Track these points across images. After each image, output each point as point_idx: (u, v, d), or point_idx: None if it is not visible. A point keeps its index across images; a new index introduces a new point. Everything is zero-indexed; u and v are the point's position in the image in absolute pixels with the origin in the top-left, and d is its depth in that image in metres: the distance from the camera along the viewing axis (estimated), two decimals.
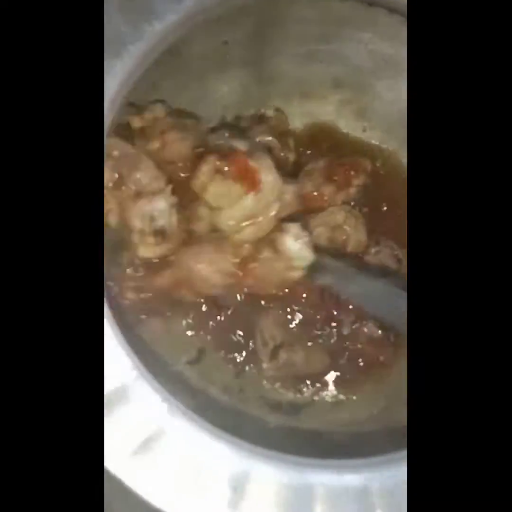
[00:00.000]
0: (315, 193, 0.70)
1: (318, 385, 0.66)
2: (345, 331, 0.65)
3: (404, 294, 0.51)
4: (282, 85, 0.74)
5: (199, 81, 0.69)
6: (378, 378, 0.66)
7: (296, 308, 0.66)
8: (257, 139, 0.67)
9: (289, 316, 0.66)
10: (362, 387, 0.66)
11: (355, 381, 0.66)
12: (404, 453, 0.44)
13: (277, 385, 0.66)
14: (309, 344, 0.66)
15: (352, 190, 0.71)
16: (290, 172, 0.70)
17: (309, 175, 0.71)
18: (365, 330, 0.65)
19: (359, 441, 0.58)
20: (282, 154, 0.69)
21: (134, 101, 0.63)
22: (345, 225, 0.68)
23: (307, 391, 0.66)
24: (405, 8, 0.56)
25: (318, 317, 0.65)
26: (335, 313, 0.65)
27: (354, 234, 0.69)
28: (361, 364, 0.65)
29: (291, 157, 0.71)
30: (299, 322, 0.66)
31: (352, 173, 0.70)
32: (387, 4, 0.57)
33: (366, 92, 0.73)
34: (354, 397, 0.66)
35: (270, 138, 0.68)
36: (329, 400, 0.66)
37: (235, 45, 0.66)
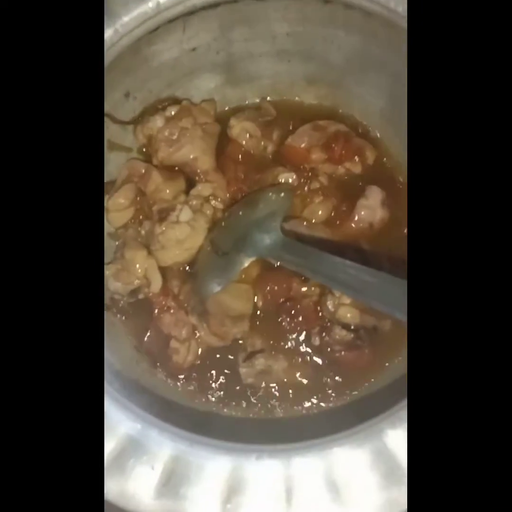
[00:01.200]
0: (304, 148, 0.68)
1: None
2: (316, 342, 0.64)
3: (374, 271, 0.49)
4: (256, 86, 0.75)
5: (172, 86, 0.71)
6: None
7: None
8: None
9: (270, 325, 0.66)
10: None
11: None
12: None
13: None
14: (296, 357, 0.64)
15: (341, 170, 0.69)
16: (268, 162, 0.71)
17: (310, 131, 0.69)
18: (336, 337, 0.62)
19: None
20: (262, 143, 0.70)
21: (109, 111, 0.66)
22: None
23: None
24: (361, 2, 0.57)
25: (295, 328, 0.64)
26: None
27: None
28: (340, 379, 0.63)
29: (271, 147, 0.71)
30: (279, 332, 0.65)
31: (355, 156, 0.68)
32: (343, 0, 0.57)
33: (340, 87, 0.73)
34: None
35: None
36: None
37: (204, 50, 0.68)
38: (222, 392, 0.63)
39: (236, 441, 0.41)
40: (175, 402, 0.58)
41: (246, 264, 0.61)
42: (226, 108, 0.76)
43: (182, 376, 0.64)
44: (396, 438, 0.39)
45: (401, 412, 0.39)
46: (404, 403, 0.40)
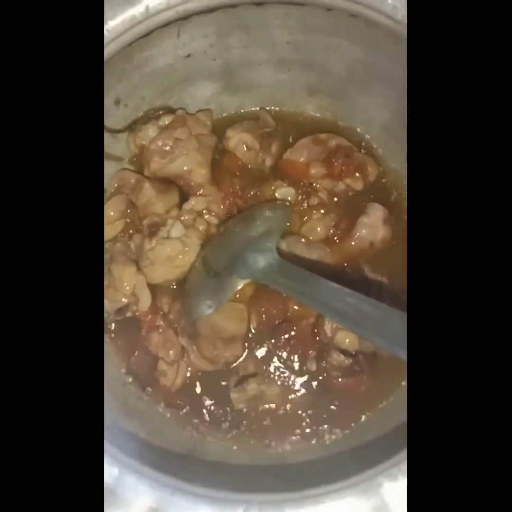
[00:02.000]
0: (303, 163, 0.65)
1: None
2: (312, 367, 0.61)
3: (375, 302, 0.46)
4: (255, 95, 0.72)
5: (166, 94, 0.67)
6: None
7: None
8: None
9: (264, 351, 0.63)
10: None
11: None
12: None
13: None
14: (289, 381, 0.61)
15: (341, 186, 0.66)
16: (266, 176, 0.68)
17: (309, 145, 0.66)
18: (334, 362, 0.59)
19: None
20: (260, 155, 0.67)
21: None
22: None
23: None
24: (365, 11, 0.54)
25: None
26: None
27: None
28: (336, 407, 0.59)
29: (269, 160, 0.68)
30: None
31: (356, 172, 0.65)
32: (347, 8, 0.54)
33: (342, 97, 0.70)
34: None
35: None
36: None
37: (199, 57, 0.64)
38: (210, 418, 0.60)
39: (222, 488, 0.37)
40: (160, 431, 0.55)
41: (239, 286, 0.58)
42: (224, 114, 0.73)
43: (168, 401, 0.60)
44: (395, 492, 0.35)
45: (401, 464, 0.36)
46: (404, 453, 0.37)
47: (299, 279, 0.51)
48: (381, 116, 0.67)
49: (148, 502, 0.37)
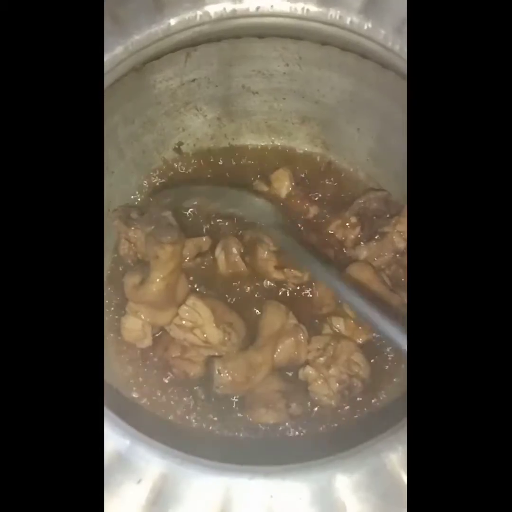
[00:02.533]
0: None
1: None
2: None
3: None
4: (252, 122, 0.78)
5: (170, 115, 0.73)
6: None
7: None
8: None
9: None
10: None
11: None
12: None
13: None
14: None
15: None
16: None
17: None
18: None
19: None
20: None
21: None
22: None
23: None
24: (357, 48, 0.61)
25: None
26: None
27: None
28: None
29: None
30: None
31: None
32: (339, 44, 0.61)
33: (331, 126, 0.76)
34: None
35: None
36: None
37: (203, 82, 0.70)
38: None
39: (228, 461, 0.39)
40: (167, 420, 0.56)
41: None
42: (220, 147, 0.78)
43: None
44: (396, 460, 0.38)
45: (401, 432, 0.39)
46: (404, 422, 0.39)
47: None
48: (365, 142, 0.74)
49: (159, 468, 0.38)
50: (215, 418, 0.62)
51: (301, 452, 0.46)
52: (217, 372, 0.62)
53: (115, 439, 0.39)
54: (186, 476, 0.37)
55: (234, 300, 0.68)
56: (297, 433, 0.58)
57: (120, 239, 0.70)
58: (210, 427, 0.61)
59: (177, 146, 0.76)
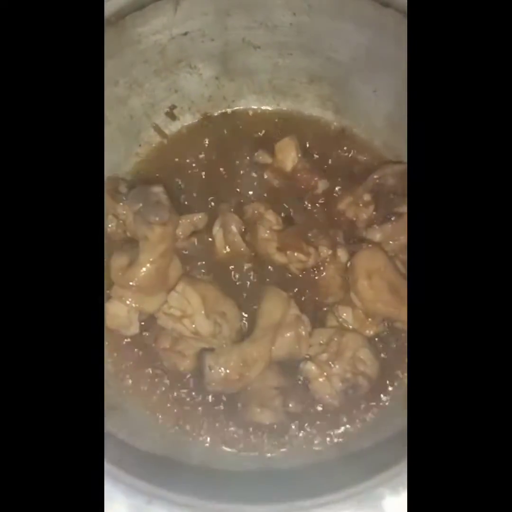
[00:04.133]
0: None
1: None
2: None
3: None
4: (254, 82, 0.69)
5: (161, 74, 0.64)
6: None
7: None
8: None
9: None
10: None
11: None
12: None
13: None
14: None
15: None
16: None
17: None
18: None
19: None
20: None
21: None
22: None
23: None
24: None
25: None
26: None
27: None
28: None
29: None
30: None
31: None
32: None
33: (344, 87, 0.67)
34: None
35: None
36: None
37: (197, 36, 0.61)
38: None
39: (204, 495, 0.34)
40: (141, 431, 0.51)
41: None
42: (216, 113, 0.70)
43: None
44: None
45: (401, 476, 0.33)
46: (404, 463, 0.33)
47: None
48: (384, 106, 0.64)
49: (123, 510, 0.33)
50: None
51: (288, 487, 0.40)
52: (208, 368, 0.56)
53: None
54: None
55: (230, 285, 0.62)
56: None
57: (107, 215, 0.64)
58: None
59: (169, 110, 0.68)
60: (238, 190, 0.66)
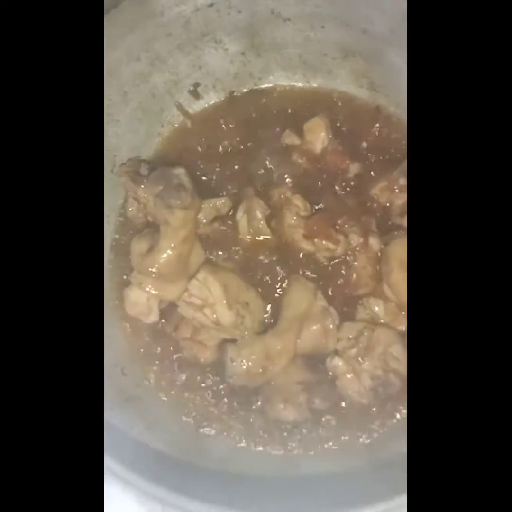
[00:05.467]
0: None
1: None
2: None
3: None
4: (283, 57, 0.64)
5: (184, 49, 0.61)
6: None
7: None
8: None
9: None
10: None
11: None
12: None
13: None
14: None
15: None
16: None
17: None
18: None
19: None
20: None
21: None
22: None
23: None
24: None
25: None
26: None
27: None
28: None
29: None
30: None
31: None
32: None
33: (381, 62, 0.62)
34: None
35: None
36: None
37: (223, 8, 0.57)
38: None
39: (222, 503, 0.31)
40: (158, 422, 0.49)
41: None
42: (242, 91, 0.66)
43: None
44: None
45: None
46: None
47: None
48: None
49: None
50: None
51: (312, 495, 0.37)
52: (229, 360, 0.53)
53: None
54: None
55: (254, 274, 0.59)
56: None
57: (128, 198, 0.62)
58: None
59: (193, 88, 0.65)
60: (263, 173, 0.62)
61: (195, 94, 0.66)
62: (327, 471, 0.44)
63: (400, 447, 0.45)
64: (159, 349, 0.59)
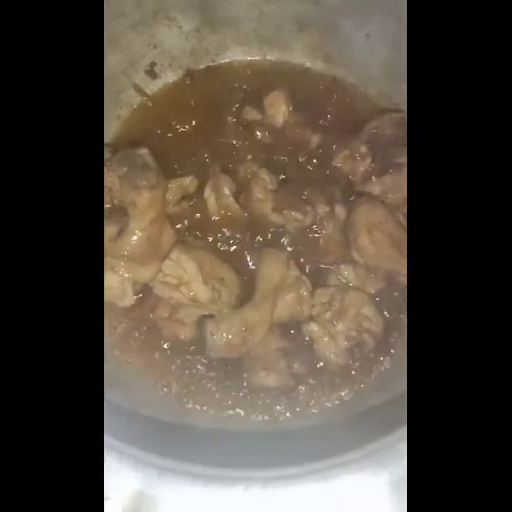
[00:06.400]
0: None
1: None
2: None
3: None
4: (239, 32, 0.64)
5: (137, 28, 0.60)
6: None
7: None
8: None
9: None
10: None
11: None
12: None
13: None
14: None
15: None
16: None
17: None
18: None
19: None
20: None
21: None
22: None
23: None
24: None
25: None
26: None
27: None
28: None
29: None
30: None
31: None
32: None
33: (336, 34, 0.63)
34: None
35: None
36: None
37: None
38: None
39: (217, 463, 0.32)
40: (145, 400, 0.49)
41: None
42: (199, 68, 0.66)
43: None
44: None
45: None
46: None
47: None
48: (378, 53, 0.61)
49: (132, 485, 0.31)
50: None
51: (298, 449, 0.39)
52: (209, 335, 0.55)
53: None
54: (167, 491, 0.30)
55: (226, 249, 0.60)
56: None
57: None
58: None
59: (149, 68, 0.64)
60: (228, 150, 0.62)
61: (152, 73, 0.65)
62: (310, 427, 0.46)
63: (378, 400, 0.48)
64: (137, 331, 0.59)
